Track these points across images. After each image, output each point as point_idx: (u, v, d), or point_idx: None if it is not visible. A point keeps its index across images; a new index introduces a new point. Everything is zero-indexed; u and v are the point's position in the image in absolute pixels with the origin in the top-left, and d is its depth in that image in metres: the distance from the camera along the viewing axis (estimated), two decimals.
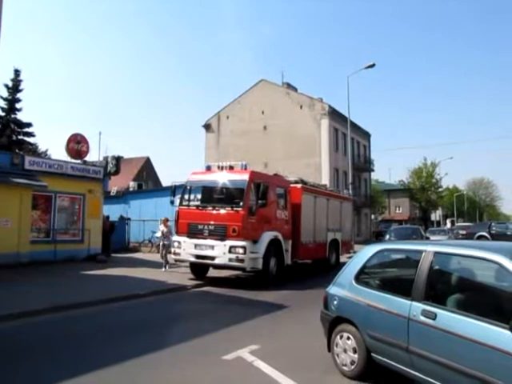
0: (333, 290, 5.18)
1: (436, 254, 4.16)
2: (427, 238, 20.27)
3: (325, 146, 35.86)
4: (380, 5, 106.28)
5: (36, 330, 6.88)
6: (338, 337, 4.94)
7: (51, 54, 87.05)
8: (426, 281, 4.06)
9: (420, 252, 4.30)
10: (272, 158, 35.33)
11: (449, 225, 53.78)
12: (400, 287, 4.40)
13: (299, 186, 14.37)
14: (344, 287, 5.00)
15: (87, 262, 16.06)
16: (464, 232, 33.02)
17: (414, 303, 4.03)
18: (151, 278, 12.13)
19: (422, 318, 3.89)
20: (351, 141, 31.51)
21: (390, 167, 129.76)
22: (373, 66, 25.28)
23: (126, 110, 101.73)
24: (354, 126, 38.17)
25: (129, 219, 23.48)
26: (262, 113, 38.26)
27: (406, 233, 19.21)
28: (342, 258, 17.16)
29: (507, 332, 3.25)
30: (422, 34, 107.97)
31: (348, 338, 4.80)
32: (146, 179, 45.69)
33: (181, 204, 12.63)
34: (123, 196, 26.13)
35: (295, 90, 40.05)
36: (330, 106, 36.45)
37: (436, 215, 53.27)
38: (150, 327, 7.12)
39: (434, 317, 3.80)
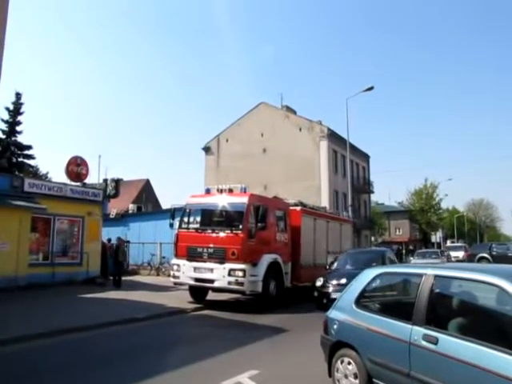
0: (333, 314, 5.14)
1: (436, 277, 4.15)
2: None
3: (324, 168, 36.07)
4: (380, 28, 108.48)
5: (30, 355, 6.77)
6: (339, 362, 4.88)
7: (53, 77, 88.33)
8: (426, 305, 4.04)
9: (420, 275, 4.29)
10: (271, 180, 35.44)
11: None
12: (401, 311, 4.37)
13: (299, 208, 14.40)
14: (344, 311, 4.96)
15: (86, 285, 15.93)
16: (458, 255, 30.80)
17: (415, 327, 4.00)
18: (150, 302, 12.03)
19: (424, 343, 3.85)
20: (350, 163, 31.66)
21: (390, 189, 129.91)
22: (371, 88, 25.62)
23: (125, 132, 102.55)
24: (353, 148, 38.42)
25: (128, 242, 23.39)
26: (262, 135, 38.57)
27: (364, 259, 12.54)
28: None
29: (510, 357, 3.21)
30: (421, 55, 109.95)
31: (349, 363, 4.74)
32: (146, 202, 45.50)
33: (180, 227, 12.63)
34: (122, 218, 26.10)
35: (294, 112, 40.51)
36: (328, 129, 36.82)
37: (436, 237, 53.11)
38: (147, 352, 7.02)
39: (435, 341, 3.76)
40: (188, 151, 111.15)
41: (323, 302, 10.73)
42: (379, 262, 12.15)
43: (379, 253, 13.93)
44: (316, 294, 11.60)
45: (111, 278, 18.28)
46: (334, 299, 8.85)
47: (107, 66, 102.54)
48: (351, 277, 9.48)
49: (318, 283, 11.74)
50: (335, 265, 13.06)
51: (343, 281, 10.74)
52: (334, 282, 11.36)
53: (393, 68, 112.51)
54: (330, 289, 11.18)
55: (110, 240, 20.39)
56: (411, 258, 24.57)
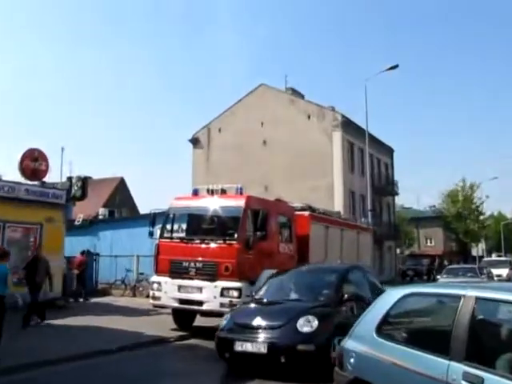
0: (349, 344, 5.06)
1: (478, 299, 4.07)
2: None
3: (338, 164, 36.20)
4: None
5: None
6: None
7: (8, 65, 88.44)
8: (467, 334, 3.95)
9: (458, 297, 4.21)
10: (273, 179, 35.53)
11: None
12: (434, 342, 4.31)
13: (307, 213, 14.44)
14: (363, 341, 4.89)
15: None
16: (501, 273, 28.45)
17: (453, 363, 3.91)
18: (124, 329, 11.97)
19: None
20: (370, 158, 31.70)
21: (419, 190, 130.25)
22: (396, 67, 25.68)
23: (94, 120, 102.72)
24: (374, 140, 38.51)
25: (97, 255, 23.33)
26: (262, 124, 38.71)
27: (312, 282, 10.19)
28: None
29: None
30: (450, 28, 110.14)
31: None
32: (120, 205, 45.46)
33: (162, 236, 12.62)
34: (91, 226, 26.08)
35: (301, 96, 40.63)
36: (343, 116, 36.96)
37: (478, 249, 52.70)
38: None
39: (480, 382, 3.68)
40: (172, 143, 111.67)
41: (225, 355, 8.24)
42: (332, 289, 9.11)
43: (338, 272, 10.06)
44: (216, 340, 8.53)
45: (79, 299, 18.26)
46: (241, 354, 7.92)
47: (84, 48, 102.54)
48: (273, 315, 8.37)
49: (224, 322, 8.73)
50: (263, 290, 9.74)
51: (257, 321, 8.14)
52: (242, 321, 8.43)
53: (425, 43, 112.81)
54: (235, 336, 8.10)
55: (84, 252, 20.42)
56: (438, 277, 23.73)
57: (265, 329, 7.91)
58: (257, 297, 9.49)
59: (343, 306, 8.59)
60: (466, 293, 4.19)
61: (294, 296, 9.20)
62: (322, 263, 14.06)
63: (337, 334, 6.08)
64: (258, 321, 8.11)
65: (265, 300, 9.20)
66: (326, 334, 7.47)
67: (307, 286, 9.52)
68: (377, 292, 8.31)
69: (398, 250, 51.77)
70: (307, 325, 7.65)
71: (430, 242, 65.87)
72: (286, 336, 7.63)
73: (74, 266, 19.88)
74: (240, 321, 8.41)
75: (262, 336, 7.77)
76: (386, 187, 44.43)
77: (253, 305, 9.17)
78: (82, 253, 20.50)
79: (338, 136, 36.56)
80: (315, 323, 7.66)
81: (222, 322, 8.77)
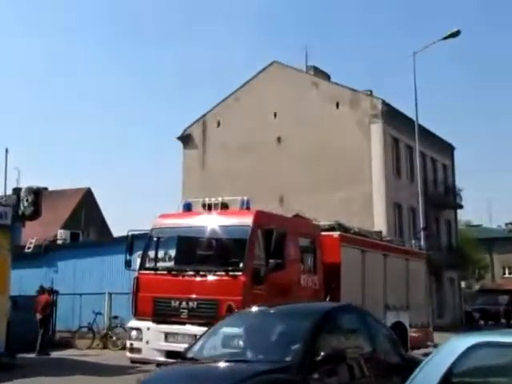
0: None
1: None
2: None
3: (378, 167, 36.14)
4: None
5: None
6: None
7: None
8: None
9: None
10: (291, 188, 35.52)
11: None
12: None
13: (336, 234, 14.46)
14: None
15: None
16: None
17: None
18: None
19: None
20: (422, 158, 31.66)
21: (491, 201, 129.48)
22: (457, 34, 25.67)
23: (50, 114, 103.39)
24: (427, 134, 38.48)
25: (56, 293, 23.27)
26: (275, 116, 38.85)
27: (271, 332, 9.00)
28: (414, 355, 16.91)
29: None
30: None
31: None
32: (86, 225, 45.64)
33: (142, 266, 12.66)
34: (46, 254, 26.14)
35: (327, 77, 40.58)
36: (384, 103, 36.78)
37: None
38: None
39: None
40: (156, 143, 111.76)
41: None
42: (301, 343, 7.45)
43: (315, 317, 8.36)
44: None
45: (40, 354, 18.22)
46: None
47: None
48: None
49: None
50: (201, 341, 8.40)
51: None
52: None
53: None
54: None
55: (46, 290, 20.42)
56: None
57: None
58: (189, 354, 7.95)
59: (316, 371, 7.02)
60: None
61: (244, 352, 7.81)
62: (359, 303, 14.07)
63: None
64: None
65: (198, 358, 7.74)
66: None
67: (266, 338, 8.07)
68: (391, 346, 8.37)
69: (464, 284, 51.35)
70: None
71: (509, 273, 65.37)
72: None
73: (38, 309, 19.88)
74: None
75: None
76: (444, 198, 44.16)
77: (176, 366, 8.17)
78: (42, 290, 20.25)
79: (377, 129, 36.44)
80: None
81: None
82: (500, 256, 64.86)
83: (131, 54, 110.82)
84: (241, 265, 11.48)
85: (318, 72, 40.45)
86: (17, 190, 19.97)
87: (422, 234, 25.72)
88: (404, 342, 16.65)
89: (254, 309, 9.36)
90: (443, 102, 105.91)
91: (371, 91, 38.46)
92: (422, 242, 22.96)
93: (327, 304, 11.34)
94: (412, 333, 17.13)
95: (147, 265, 12.66)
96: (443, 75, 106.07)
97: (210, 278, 11.67)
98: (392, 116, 37.30)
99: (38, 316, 19.88)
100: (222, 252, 12.15)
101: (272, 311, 9.30)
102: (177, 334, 11.71)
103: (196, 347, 8.10)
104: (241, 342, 8.15)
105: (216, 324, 8.84)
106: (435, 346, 15.16)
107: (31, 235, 27.08)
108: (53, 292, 22.83)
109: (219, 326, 8.72)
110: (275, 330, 8.27)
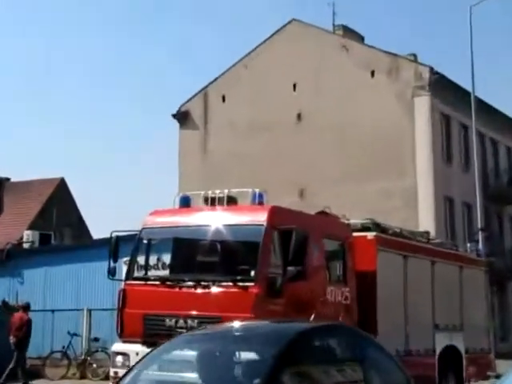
0: None
1: None
2: None
3: (423, 151, 36.03)
4: None
5: None
6: None
7: None
8: None
9: None
10: (313, 177, 35.54)
11: None
12: None
13: (371, 235, 14.45)
14: None
15: None
16: None
17: None
18: None
19: None
20: (480, 139, 31.43)
21: None
22: None
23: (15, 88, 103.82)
24: (486, 110, 38.19)
25: (25, 308, 23.29)
26: (294, 88, 38.88)
27: (226, 360, 6.84)
28: None
29: None
30: None
31: None
32: (59, 224, 45.72)
33: (130, 276, 12.65)
34: (9, 260, 26.29)
35: (360, 39, 40.36)
36: (432, 71, 36.60)
37: None
38: None
39: None
40: (145, 122, 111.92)
41: None
42: (261, 378, 6.54)
43: (283, 341, 7.40)
44: None
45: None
46: None
47: None
48: None
49: None
50: (135, 370, 7.85)
51: None
52: None
53: None
54: None
55: (9, 307, 20.52)
56: None
57: None
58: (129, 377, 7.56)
59: None
60: None
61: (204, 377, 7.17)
62: (400, 321, 14.03)
63: None
64: None
65: None
66: None
67: (220, 367, 7.51)
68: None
69: None
70: None
71: None
72: None
73: (13, 330, 19.91)
74: None
75: None
76: (508, 189, 43.28)
77: None
78: (9, 307, 20.37)
79: (423, 104, 36.27)
80: None
81: None
82: None
83: None
84: (252, 273, 11.43)
85: (349, 32, 40.25)
86: None
87: (479, 235, 25.56)
88: (458, 371, 16.61)
89: (211, 328, 9.04)
90: (506, 70, 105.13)
91: (415, 56, 38.19)
92: (481, 246, 22.83)
93: (304, 324, 9.12)
94: (468, 360, 16.97)
95: (136, 274, 12.65)
96: (507, 36, 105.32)
97: (214, 289, 11.63)
98: (442, 87, 37.12)
99: (12, 339, 19.81)
100: (228, 258, 12.11)
101: (233, 331, 8.56)
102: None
103: (127, 379, 7.37)
104: (188, 371, 7.52)
105: (160, 345, 8.14)
106: (497, 376, 15.03)
107: None
108: (28, 308, 22.90)
109: (165, 349, 8.09)
110: (235, 357, 7.47)
